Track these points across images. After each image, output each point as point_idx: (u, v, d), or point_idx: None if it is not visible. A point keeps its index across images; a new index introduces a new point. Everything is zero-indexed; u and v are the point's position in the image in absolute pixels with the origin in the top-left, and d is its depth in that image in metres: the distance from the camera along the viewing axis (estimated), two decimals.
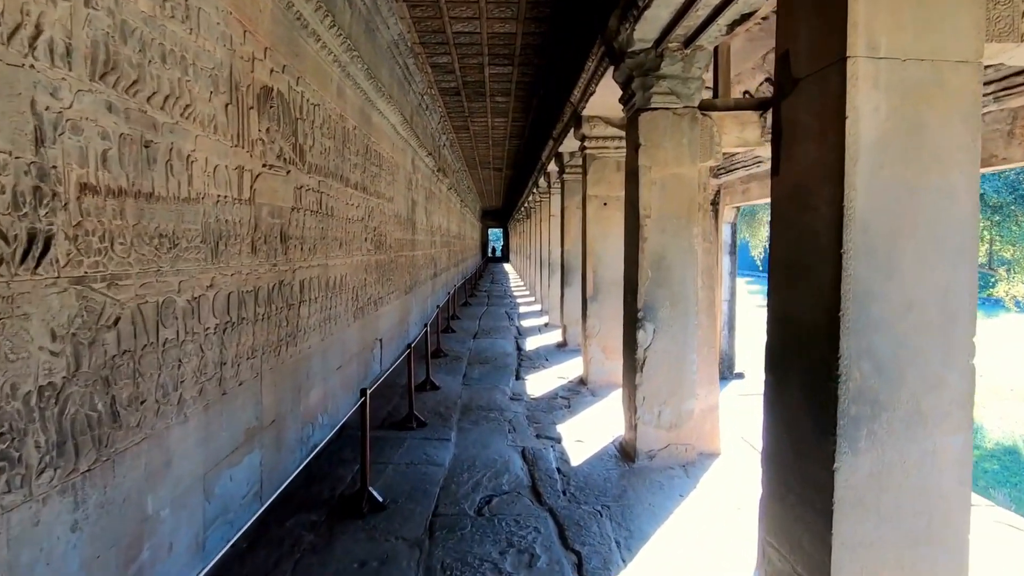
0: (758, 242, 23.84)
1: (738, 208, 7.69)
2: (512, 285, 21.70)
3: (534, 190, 14.45)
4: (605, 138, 5.98)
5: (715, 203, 6.69)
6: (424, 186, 10.48)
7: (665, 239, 3.91)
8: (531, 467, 3.95)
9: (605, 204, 6.11)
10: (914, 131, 1.72)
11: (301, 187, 3.81)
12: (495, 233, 47.89)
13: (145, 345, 2.14)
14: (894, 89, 1.69)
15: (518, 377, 6.68)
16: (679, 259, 3.93)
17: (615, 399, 5.68)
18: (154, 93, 2.20)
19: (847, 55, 1.67)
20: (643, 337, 3.95)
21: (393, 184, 7.19)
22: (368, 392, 3.27)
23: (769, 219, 2.23)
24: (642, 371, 3.95)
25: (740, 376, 8.53)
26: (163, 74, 2.25)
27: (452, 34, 7.23)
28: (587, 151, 6.07)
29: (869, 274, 1.72)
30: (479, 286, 20.33)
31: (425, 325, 6.07)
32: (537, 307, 13.70)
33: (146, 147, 2.14)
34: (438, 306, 8.15)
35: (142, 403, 2.12)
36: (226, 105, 2.79)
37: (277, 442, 3.43)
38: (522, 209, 21.97)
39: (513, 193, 26.35)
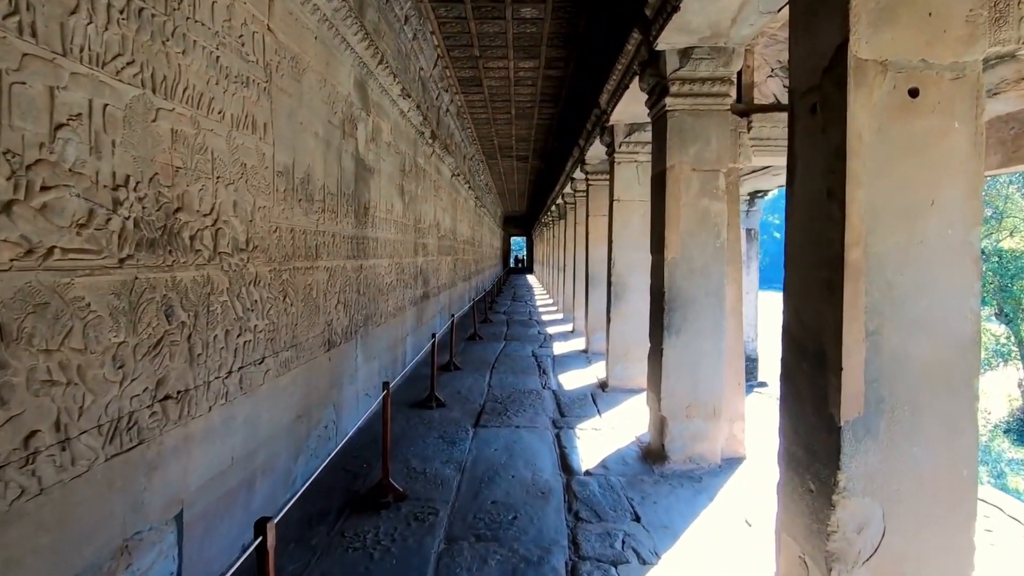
0: None
1: None
2: (538, 303, 17.25)
3: (574, 174, 10.08)
4: None
5: None
6: (400, 150, 6.21)
7: None
8: None
9: (914, 94, 1.74)
10: None
11: None
12: (517, 242, 44.12)
13: None
14: None
15: None
16: None
17: None
18: None
19: None
20: None
21: (268, 98, 2.93)
22: None
23: None
24: None
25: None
26: None
27: None
28: None
29: None
30: (497, 305, 15.97)
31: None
32: (580, 344, 9.26)
33: None
34: (385, 383, 3.75)
35: None
36: None
37: None
38: (552, 208, 17.59)
39: (541, 192, 22.01)
